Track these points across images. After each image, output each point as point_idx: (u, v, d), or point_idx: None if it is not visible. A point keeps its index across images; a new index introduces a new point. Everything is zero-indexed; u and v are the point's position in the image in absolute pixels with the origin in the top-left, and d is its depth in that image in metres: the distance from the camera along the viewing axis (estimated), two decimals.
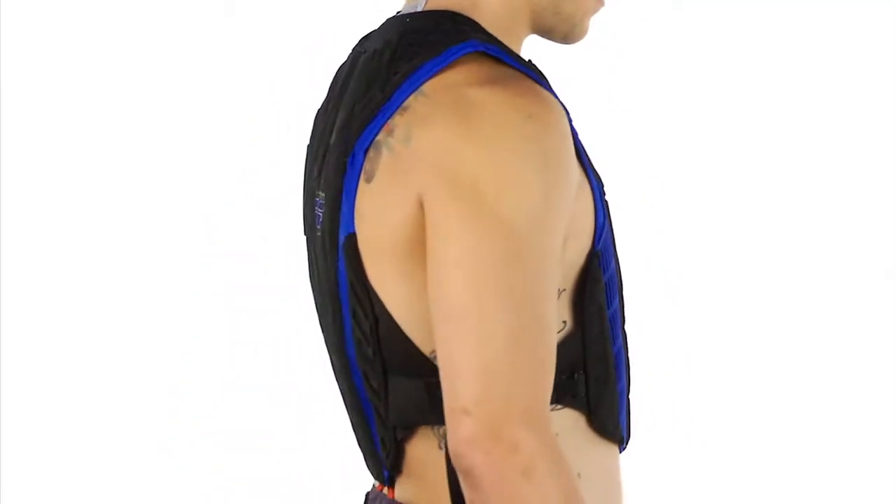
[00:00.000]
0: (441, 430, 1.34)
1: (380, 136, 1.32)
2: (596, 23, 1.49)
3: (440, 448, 1.35)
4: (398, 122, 1.31)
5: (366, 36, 1.45)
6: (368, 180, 1.33)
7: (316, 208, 1.40)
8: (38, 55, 3.64)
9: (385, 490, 1.42)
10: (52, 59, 3.65)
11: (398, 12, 1.43)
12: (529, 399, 1.23)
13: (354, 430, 1.45)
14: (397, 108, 1.31)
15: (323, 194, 1.38)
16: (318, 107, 1.48)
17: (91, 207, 3.67)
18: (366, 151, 1.33)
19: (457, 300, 1.25)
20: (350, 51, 1.47)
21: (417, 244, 1.31)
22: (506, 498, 1.22)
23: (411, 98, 1.31)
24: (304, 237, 1.46)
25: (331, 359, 1.44)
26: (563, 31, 1.44)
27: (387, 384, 1.35)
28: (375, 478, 1.44)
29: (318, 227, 1.39)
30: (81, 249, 3.66)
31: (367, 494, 1.48)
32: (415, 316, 1.33)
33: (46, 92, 3.65)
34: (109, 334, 3.65)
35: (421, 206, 1.29)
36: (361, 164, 1.33)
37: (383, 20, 1.44)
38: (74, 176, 3.66)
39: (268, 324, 3.64)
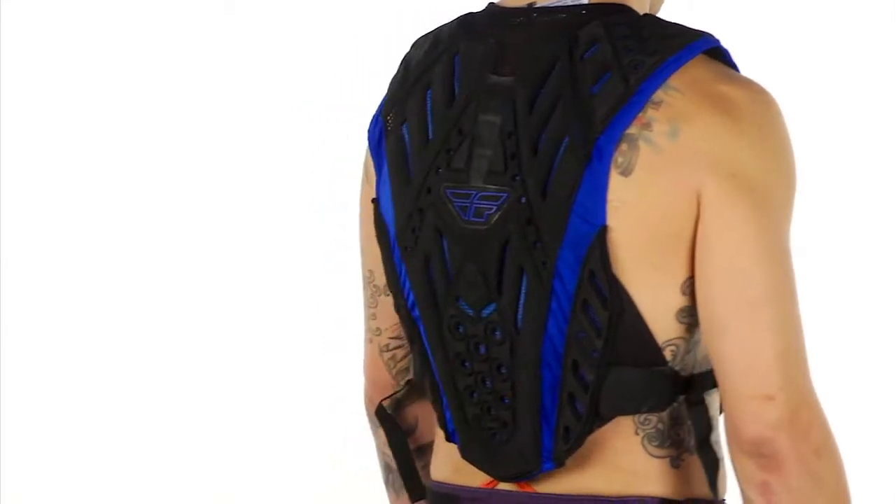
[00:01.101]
0: (641, 419, 1.41)
1: (632, 130, 1.35)
2: None
3: (636, 434, 1.42)
4: (654, 115, 1.35)
5: (461, 28, 1.46)
6: (625, 174, 1.35)
7: (453, 200, 1.41)
8: (39, 55, 3.64)
9: (515, 487, 1.44)
10: (52, 60, 3.64)
11: (530, 5, 1.43)
12: (811, 382, 1.36)
13: (477, 425, 1.44)
14: (647, 101, 1.35)
15: (495, 188, 1.39)
16: (409, 100, 1.47)
17: (91, 207, 3.66)
18: (616, 144, 1.35)
19: (756, 291, 1.33)
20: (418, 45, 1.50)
21: (675, 237, 1.36)
22: (804, 476, 1.33)
23: (660, 92, 1.35)
24: (394, 234, 1.46)
25: (469, 349, 1.42)
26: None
27: (605, 375, 1.39)
28: (501, 476, 1.44)
29: (470, 217, 1.40)
30: (83, 250, 3.66)
31: (455, 496, 1.48)
32: (657, 307, 1.38)
33: (47, 92, 3.64)
34: (110, 334, 3.64)
35: (695, 200, 1.35)
36: (611, 157, 1.35)
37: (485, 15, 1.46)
38: (75, 176, 3.66)
39: (270, 325, 3.63)
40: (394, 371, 1.58)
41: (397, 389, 1.58)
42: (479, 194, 1.40)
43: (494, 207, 1.39)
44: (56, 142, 3.65)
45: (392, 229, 1.45)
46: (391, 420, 1.57)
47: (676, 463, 1.45)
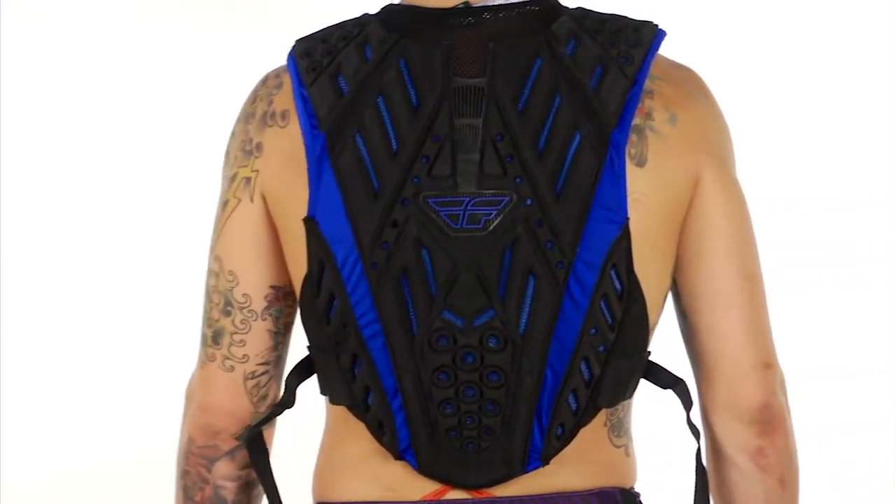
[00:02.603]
0: (611, 409, 1.43)
1: (638, 121, 1.38)
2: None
3: (604, 426, 1.43)
4: (652, 105, 1.39)
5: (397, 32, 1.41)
6: (640, 164, 1.37)
7: (438, 209, 1.36)
8: (39, 56, 3.64)
9: (467, 495, 1.42)
10: (53, 60, 3.64)
11: (463, 4, 1.41)
12: None
13: (448, 438, 1.41)
14: (642, 91, 1.38)
15: (492, 192, 1.35)
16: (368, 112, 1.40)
17: (92, 208, 3.65)
18: (628, 136, 1.37)
19: (752, 266, 1.42)
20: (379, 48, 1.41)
21: (678, 222, 1.40)
22: (788, 436, 1.45)
23: (649, 82, 1.39)
24: (354, 252, 1.39)
25: (465, 354, 1.38)
26: None
27: (607, 368, 1.39)
28: (477, 484, 1.41)
29: (463, 224, 1.36)
30: (84, 251, 3.65)
31: None
32: (658, 293, 1.41)
33: (47, 93, 3.64)
34: (111, 335, 3.64)
35: (694, 183, 1.40)
36: (625, 149, 1.36)
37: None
38: (76, 177, 3.65)
39: None
40: (255, 398, 1.49)
41: (265, 416, 1.49)
42: (473, 200, 1.36)
43: (494, 212, 1.35)
44: (56, 142, 3.62)
45: (341, 248, 1.37)
46: (264, 448, 1.50)
47: (628, 451, 1.47)
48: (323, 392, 1.47)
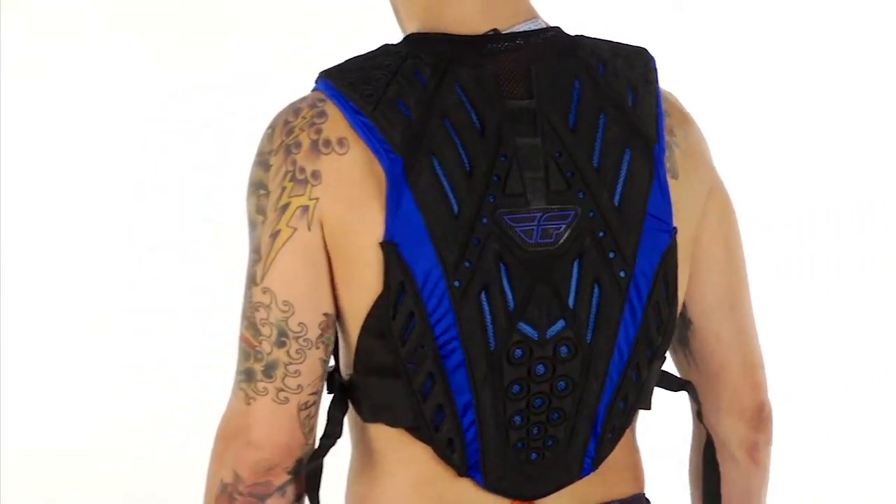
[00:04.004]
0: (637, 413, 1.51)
1: (667, 137, 1.48)
2: (596, 23, 1.54)
3: (631, 430, 1.52)
4: (670, 122, 1.50)
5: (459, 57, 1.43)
6: (675, 177, 1.47)
7: (514, 225, 1.40)
8: (40, 56, 3.64)
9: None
10: (53, 60, 3.64)
11: (493, 31, 1.45)
12: None
13: (515, 450, 1.44)
14: (663, 110, 1.47)
15: (558, 207, 1.40)
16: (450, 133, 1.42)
17: (92, 209, 3.66)
18: (664, 151, 1.45)
19: (745, 274, 1.55)
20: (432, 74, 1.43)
21: (696, 230, 1.50)
22: (772, 430, 1.59)
23: (663, 102, 1.49)
24: (436, 273, 1.40)
25: (544, 367, 1.42)
26: None
27: (651, 372, 1.47)
28: (538, 494, 1.45)
29: (537, 239, 1.40)
30: (84, 251, 3.66)
31: None
32: (682, 296, 1.50)
33: (47, 93, 3.65)
34: (110, 335, 3.65)
35: (707, 195, 1.51)
36: (664, 163, 1.45)
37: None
38: (76, 177, 3.66)
39: None
40: (306, 429, 1.47)
41: (321, 446, 1.49)
42: (545, 215, 1.40)
43: (563, 226, 1.41)
44: (56, 142, 3.65)
45: (421, 269, 1.39)
46: (320, 479, 1.49)
47: (639, 454, 1.54)
48: (370, 418, 1.47)
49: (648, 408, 1.48)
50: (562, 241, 1.40)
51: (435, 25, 1.47)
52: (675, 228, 1.43)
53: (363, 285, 1.41)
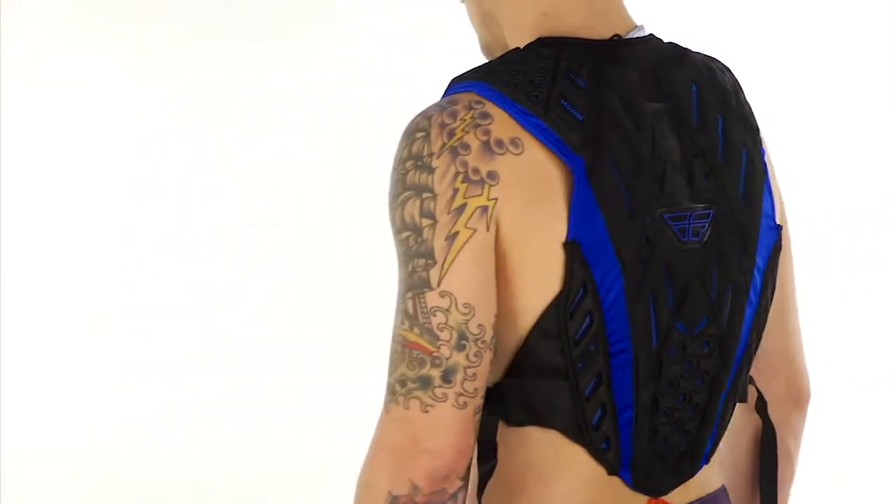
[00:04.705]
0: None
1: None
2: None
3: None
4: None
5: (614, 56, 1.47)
6: (771, 177, 1.54)
7: (671, 223, 1.44)
8: (40, 57, 3.64)
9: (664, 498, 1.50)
10: (53, 60, 3.64)
11: (616, 37, 1.48)
12: None
13: (661, 445, 1.47)
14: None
15: (702, 206, 1.46)
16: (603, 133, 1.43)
17: (93, 209, 3.66)
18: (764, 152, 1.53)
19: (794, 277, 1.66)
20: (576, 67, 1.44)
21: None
22: None
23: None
24: (613, 271, 1.42)
25: (689, 363, 1.47)
26: None
27: (751, 366, 1.55)
28: (669, 488, 1.48)
29: (688, 237, 1.45)
30: (85, 252, 3.66)
31: None
32: None
33: (48, 93, 3.65)
34: (111, 336, 3.65)
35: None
36: (767, 164, 1.53)
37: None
38: (77, 178, 3.66)
39: (270, 327, 3.64)
40: (476, 433, 1.43)
41: (482, 448, 1.47)
42: (694, 214, 1.45)
43: (706, 224, 1.46)
44: (56, 143, 3.64)
45: (600, 269, 1.40)
46: (487, 481, 1.48)
47: None
48: (520, 422, 1.46)
49: (745, 401, 1.54)
50: (706, 238, 1.45)
51: (559, 31, 1.47)
52: (780, 226, 1.51)
53: (538, 285, 1.40)
